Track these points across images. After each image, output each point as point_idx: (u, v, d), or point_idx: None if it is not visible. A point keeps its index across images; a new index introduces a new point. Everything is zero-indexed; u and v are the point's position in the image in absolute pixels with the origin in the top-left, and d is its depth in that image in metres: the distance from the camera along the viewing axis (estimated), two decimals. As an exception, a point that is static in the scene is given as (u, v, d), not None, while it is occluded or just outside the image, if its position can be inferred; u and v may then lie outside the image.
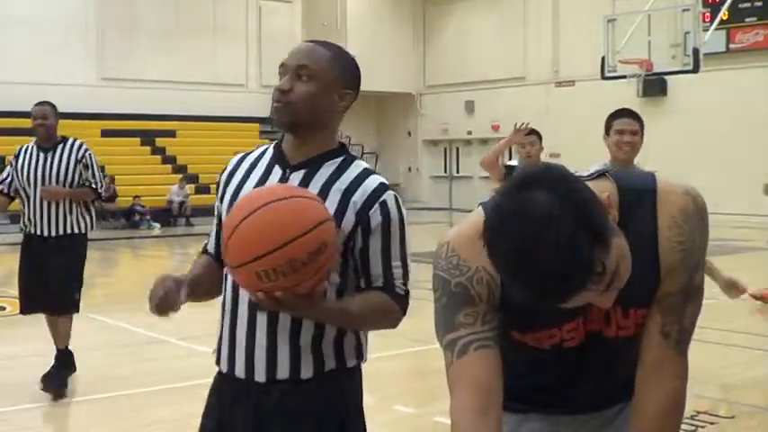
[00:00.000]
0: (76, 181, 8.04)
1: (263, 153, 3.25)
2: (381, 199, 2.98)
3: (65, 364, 8.08)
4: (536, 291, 1.99)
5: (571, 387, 2.50)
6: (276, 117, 3.07)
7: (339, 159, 3.02)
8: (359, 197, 2.93)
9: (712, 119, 28.11)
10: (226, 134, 33.26)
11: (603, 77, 24.52)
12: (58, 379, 7.94)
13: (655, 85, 29.01)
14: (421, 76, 38.13)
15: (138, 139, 31.68)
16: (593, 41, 25.73)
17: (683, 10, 24.49)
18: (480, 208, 2.31)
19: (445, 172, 38.36)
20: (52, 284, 7.99)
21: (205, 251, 3.25)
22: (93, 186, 8.12)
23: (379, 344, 11.44)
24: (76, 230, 8.08)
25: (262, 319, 2.93)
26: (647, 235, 2.28)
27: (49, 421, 7.76)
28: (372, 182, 3.00)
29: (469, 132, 36.65)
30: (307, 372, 2.94)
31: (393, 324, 3.05)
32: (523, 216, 1.93)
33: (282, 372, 2.93)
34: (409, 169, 39.16)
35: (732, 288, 7.78)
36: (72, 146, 8.15)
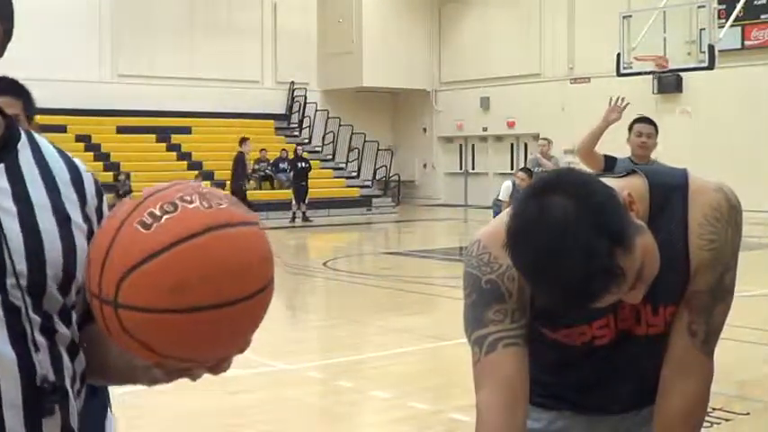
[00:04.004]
0: None
1: None
2: (99, 188, 2.03)
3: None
4: (557, 297, 2.01)
5: (604, 386, 2.49)
6: None
7: (24, 138, 1.95)
8: (89, 187, 1.99)
9: (728, 115, 28.01)
10: (241, 130, 33.27)
11: (619, 74, 24.45)
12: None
13: (670, 82, 28.96)
14: (436, 72, 38.06)
15: (154, 136, 31.74)
16: (609, 38, 25.65)
17: (699, 6, 24.43)
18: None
19: (460, 168, 38.31)
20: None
21: None
22: None
23: (394, 341, 11.48)
24: None
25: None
26: (678, 232, 2.28)
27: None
28: (80, 163, 2.03)
29: (485, 129, 36.57)
30: None
31: None
32: (541, 223, 1.95)
33: None
34: (424, 166, 39.12)
35: None
36: None
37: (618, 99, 8.40)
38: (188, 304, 1.62)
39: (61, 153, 1.98)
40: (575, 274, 1.92)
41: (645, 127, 8.09)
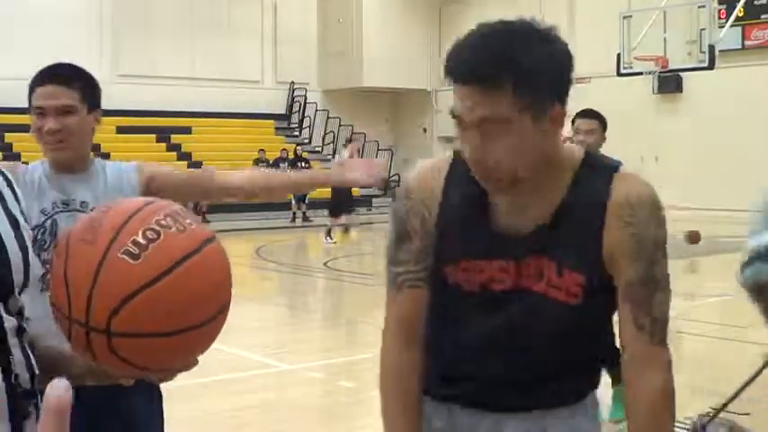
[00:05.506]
0: None
1: None
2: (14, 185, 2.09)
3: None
4: (455, 58, 2.29)
5: (501, 354, 2.42)
6: None
7: None
8: (20, 188, 2.09)
9: (727, 115, 28.00)
10: (241, 130, 33.35)
11: (619, 74, 24.50)
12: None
13: (670, 82, 28.94)
14: (436, 72, 37.98)
15: (154, 136, 31.75)
16: (609, 38, 25.68)
17: (699, 6, 24.46)
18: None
19: (460, 168, 38.31)
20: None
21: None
22: None
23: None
24: None
25: None
26: (596, 203, 2.34)
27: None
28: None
29: (485, 129, 36.57)
30: None
31: None
32: (483, 29, 2.31)
33: None
34: (425, 166, 39.13)
35: None
36: None
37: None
38: (178, 326, 1.73)
39: None
40: (481, 43, 2.27)
41: (583, 122, 6.76)
